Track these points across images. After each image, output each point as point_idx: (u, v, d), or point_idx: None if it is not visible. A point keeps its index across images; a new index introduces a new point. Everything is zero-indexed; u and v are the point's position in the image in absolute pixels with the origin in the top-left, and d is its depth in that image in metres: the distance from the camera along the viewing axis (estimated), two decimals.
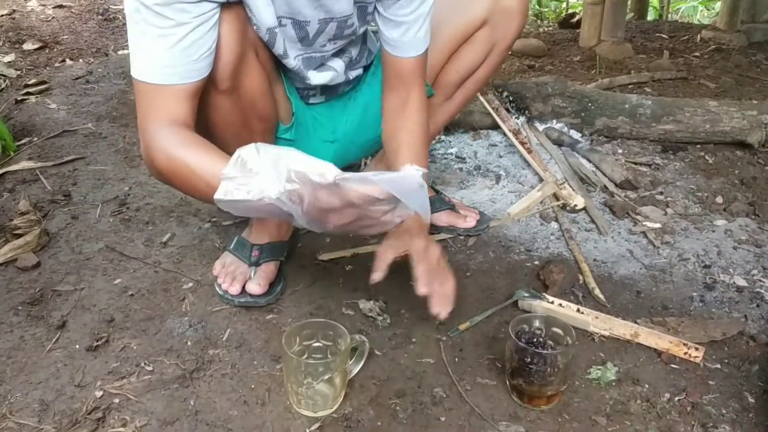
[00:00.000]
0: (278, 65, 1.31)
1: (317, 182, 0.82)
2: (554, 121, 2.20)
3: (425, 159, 1.39)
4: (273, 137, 1.34)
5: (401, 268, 1.46)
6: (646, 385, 1.17)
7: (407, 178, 0.83)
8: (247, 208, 0.90)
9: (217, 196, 0.89)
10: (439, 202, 1.63)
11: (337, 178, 0.81)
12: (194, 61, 1.03)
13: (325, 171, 0.83)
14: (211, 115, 1.17)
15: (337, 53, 1.36)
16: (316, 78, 1.33)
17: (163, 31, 1.00)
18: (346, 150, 1.54)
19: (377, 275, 1.18)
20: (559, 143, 2.11)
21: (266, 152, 0.88)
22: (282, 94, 1.35)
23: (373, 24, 1.34)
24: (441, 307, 1.18)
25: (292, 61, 1.27)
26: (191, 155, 0.98)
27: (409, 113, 1.35)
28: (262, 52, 1.21)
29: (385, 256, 1.20)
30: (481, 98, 2.21)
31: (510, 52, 3.10)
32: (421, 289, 1.17)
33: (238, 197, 0.87)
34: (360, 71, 1.46)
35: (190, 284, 1.40)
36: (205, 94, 1.10)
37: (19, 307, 1.32)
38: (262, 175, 0.86)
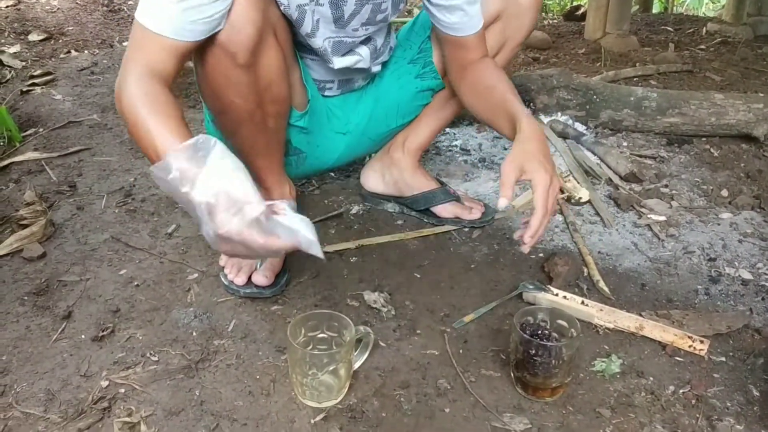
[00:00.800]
0: (296, 53, 1.31)
1: (247, 217, 0.88)
2: (559, 114, 2.19)
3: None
4: (286, 122, 1.34)
5: (404, 261, 1.47)
6: (651, 378, 1.17)
7: (306, 235, 0.91)
8: (170, 190, 0.92)
9: (152, 168, 0.93)
10: (444, 194, 1.62)
11: (262, 215, 0.88)
12: (191, 22, 1.04)
13: (250, 209, 0.88)
14: (227, 93, 1.17)
15: (365, 41, 1.37)
16: (340, 62, 1.34)
17: None
18: (357, 142, 1.54)
19: (504, 201, 1.11)
20: (563, 136, 2.11)
21: (218, 153, 0.91)
22: (298, 80, 1.35)
23: (398, 16, 1.36)
24: (530, 239, 1.12)
25: (319, 41, 1.28)
26: (154, 117, 0.99)
27: (493, 68, 1.38)
28: (281, 34, 1.22)
29: (509, 179, 1.13)
30: None
31: None
32: (526, 245, 1.12)
33: (169, 178, 0.90)
34: (379, 67, 1.46)
35: (196, 275, 1.40)
36: (223, 70, 1.11)
37: (25, 298, 1.32)
38: (203, 173, 0.89)
